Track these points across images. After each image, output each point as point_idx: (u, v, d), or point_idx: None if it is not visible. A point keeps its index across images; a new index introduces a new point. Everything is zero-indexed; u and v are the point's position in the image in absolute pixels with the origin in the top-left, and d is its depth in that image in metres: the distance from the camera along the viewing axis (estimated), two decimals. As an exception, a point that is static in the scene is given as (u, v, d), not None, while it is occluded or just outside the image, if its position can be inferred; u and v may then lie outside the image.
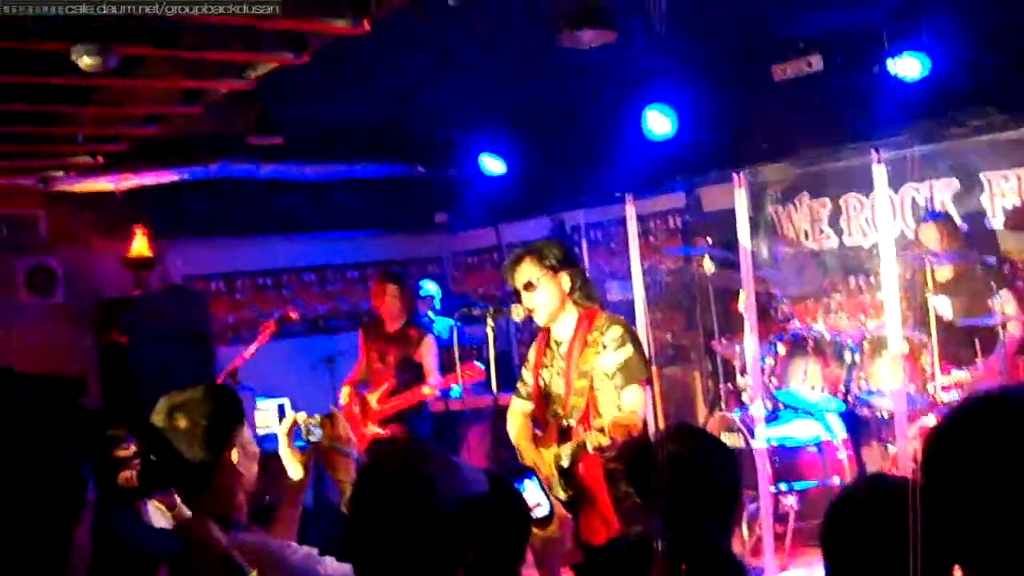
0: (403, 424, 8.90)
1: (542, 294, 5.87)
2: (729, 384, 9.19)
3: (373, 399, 8.96)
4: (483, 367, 8.40)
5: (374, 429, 8.88)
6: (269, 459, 4.01)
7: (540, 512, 3.56)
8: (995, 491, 2.07)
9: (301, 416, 4.06)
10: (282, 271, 12.63)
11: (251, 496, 3.78)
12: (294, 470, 3.99)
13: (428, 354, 9.07)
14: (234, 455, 3.64)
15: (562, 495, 5.65)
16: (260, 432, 8.74)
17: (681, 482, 3.51)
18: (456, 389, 9.02)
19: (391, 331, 9.24)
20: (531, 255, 5.93)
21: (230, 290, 12.26)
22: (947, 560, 2.56)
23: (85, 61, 5.12)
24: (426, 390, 8.89)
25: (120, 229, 10.38)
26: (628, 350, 5.71)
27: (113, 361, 10.20)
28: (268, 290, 12.51)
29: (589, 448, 5.46)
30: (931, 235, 8.29)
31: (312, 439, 4.00)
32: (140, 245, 10.43)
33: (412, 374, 9.01)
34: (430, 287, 11.18)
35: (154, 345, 9.94)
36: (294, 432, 4.03)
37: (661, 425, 8.36)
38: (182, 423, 3.56)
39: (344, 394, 9.24)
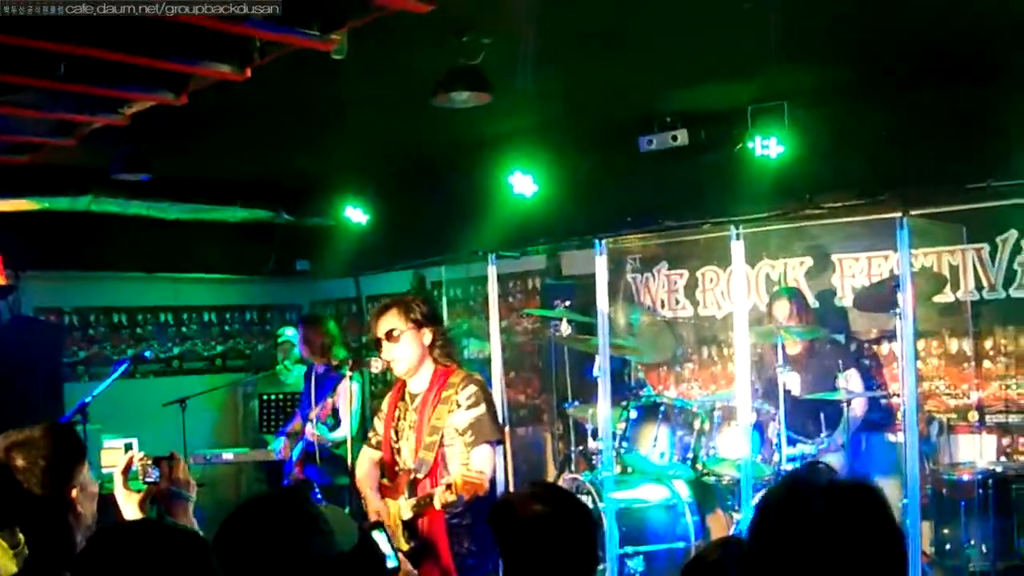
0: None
1: (403, 346, 5.91)
2: (580, 447, 9.28)
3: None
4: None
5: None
6: (113, 499, 3.96)
7: (388, 564, 3.60)
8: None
9: (138, 456, 4.00)
10: (139, 310, 12.44)
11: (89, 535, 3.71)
12: (130, 511, 3.93)
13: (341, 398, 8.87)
14: (73, 494, 3.59)
15: (404, 547, 5.71)
16: (106, 471, 8.58)
17: (542, 541, 3.54)
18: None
19: (319, 372, 9.17)
20: (398, 306, 5.99)
21: (83, 325, 12.04)
22: None
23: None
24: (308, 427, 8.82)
25: (-28, 255, 10.15)
26: (481, 409, 5.78)
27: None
28: (123, 328, 12.31)
29: (436, 503, 5.48)
30: (783, 310, 8.48)
31: (149, 480, 3.93)
32: (-8, 273, 10.21)
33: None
34: (289, 333, 11.11)
35: (1, 375, 9.71)
36: (131, 473, 3.98)
37: (511, 484, 8.41)
38: (20, 462, 3.49)
39: None
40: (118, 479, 3.95)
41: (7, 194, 9.42)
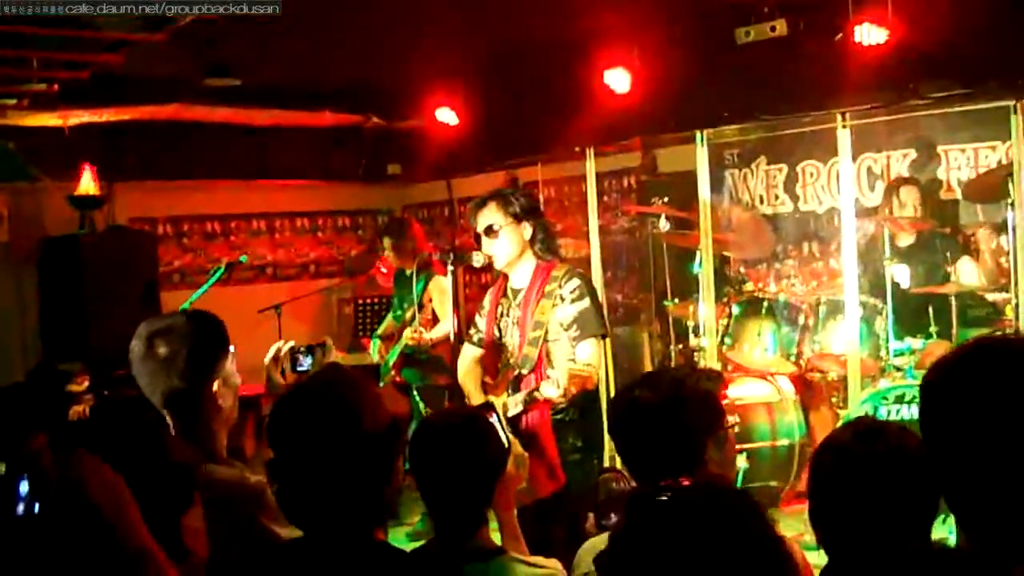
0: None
1: (503, 241, 5.79)
2: (680, 345, 9.18)
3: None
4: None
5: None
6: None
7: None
8: (987, 432, 2.07)
9: (289, 345, 3.93)
10: (231, 217, 12.49)
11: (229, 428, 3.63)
12: None
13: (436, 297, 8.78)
14: (215, 386, 3.48)
15: (511, 443, 5.62)
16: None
17: (648, 427, 3.46)
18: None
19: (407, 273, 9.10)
20: (497, 200, 5.85)
21: (178, 234, 12.11)
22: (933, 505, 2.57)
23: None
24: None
25: (68, 167, 10.18)
26: (585, 303, 5.66)
27: (56, 300, 10.03)
28: (216, 236, 12.37)
29: (540, 397, 5.40)
30: (912, 195, 8.24)
31: (301, 369, 3.87)
32: (87, 184, 10.24)
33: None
34: None
35: (98, 286, 9.77)
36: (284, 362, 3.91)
37: (611, 384, 8.35)
38: (162, 350, 3.39)
39: None
40: (270, 368, 3.88)
41: (95, 104, 9.41)
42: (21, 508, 1.85)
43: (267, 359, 3.87)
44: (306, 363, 3.85)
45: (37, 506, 1.86)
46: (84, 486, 1.98)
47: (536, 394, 5.45)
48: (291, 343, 3.92)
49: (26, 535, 1.84)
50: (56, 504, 1.90)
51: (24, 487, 1.85)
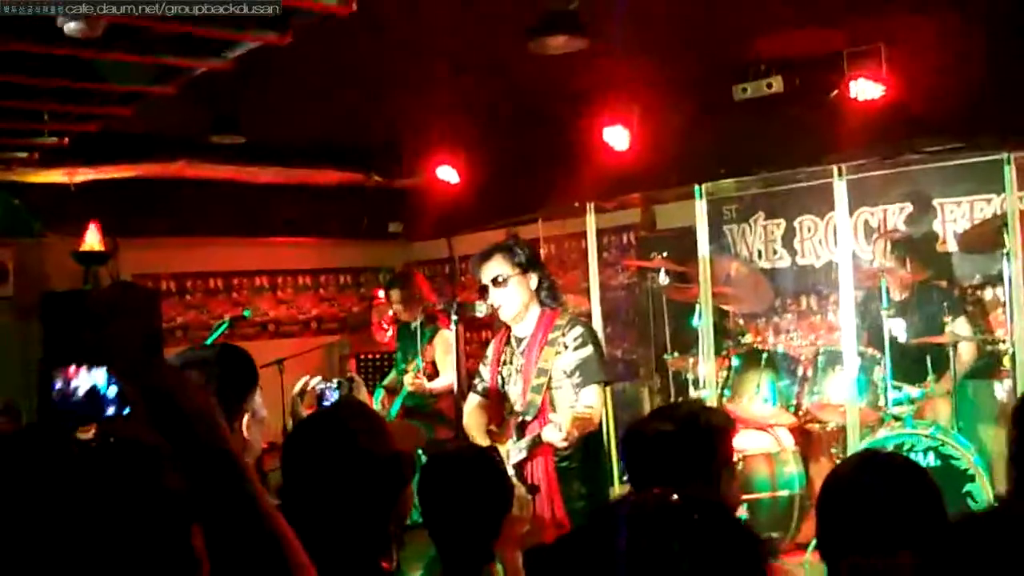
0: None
1: (510, 292, 5.85)
2: (680, 398, 9.22)
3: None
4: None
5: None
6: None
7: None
8: None
9: (316, 380, 3.98)
10: (234, 274, 12.61)
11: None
12: None
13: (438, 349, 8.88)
14: (244, 420, 3.49)
15: (516, 491, 5.65)
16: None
17: (664, 456, 3.51)
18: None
19: (412, 327, 9.13)
20: (502, 252, 5.91)
21: (181, 290, 12.20)
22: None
23: (70, 26, 5.00)
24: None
25: (73, 223, 10.26)
26: (588, 350, 5.72)
27: (59, 354, 10.05)
28: (219, 293, 12.47)
29: (544, 439, 5.45)
30: (879, 248, 8.30)
31: (327, 404, 3.92)
32: (92, 240, 10.30)
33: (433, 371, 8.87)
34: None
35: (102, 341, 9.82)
36: (309, 397, 3.96)
37: (613, 436, 8.38)
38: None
39: None
40: (296, 403, 3.93)
41: (101, 161, 9.50)
42: (111, 411, 1.89)
43: (294, 392, 3.93)
44: (332, 398, 3.91)
45: (126, 410, 1.91)
46: (173, 393, 2.03)
47: (539, 437, 5.50)
48: (318, 378, 3.97)
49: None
50: (146, 408, 1.95)
51: (112, 391, 1.90)
